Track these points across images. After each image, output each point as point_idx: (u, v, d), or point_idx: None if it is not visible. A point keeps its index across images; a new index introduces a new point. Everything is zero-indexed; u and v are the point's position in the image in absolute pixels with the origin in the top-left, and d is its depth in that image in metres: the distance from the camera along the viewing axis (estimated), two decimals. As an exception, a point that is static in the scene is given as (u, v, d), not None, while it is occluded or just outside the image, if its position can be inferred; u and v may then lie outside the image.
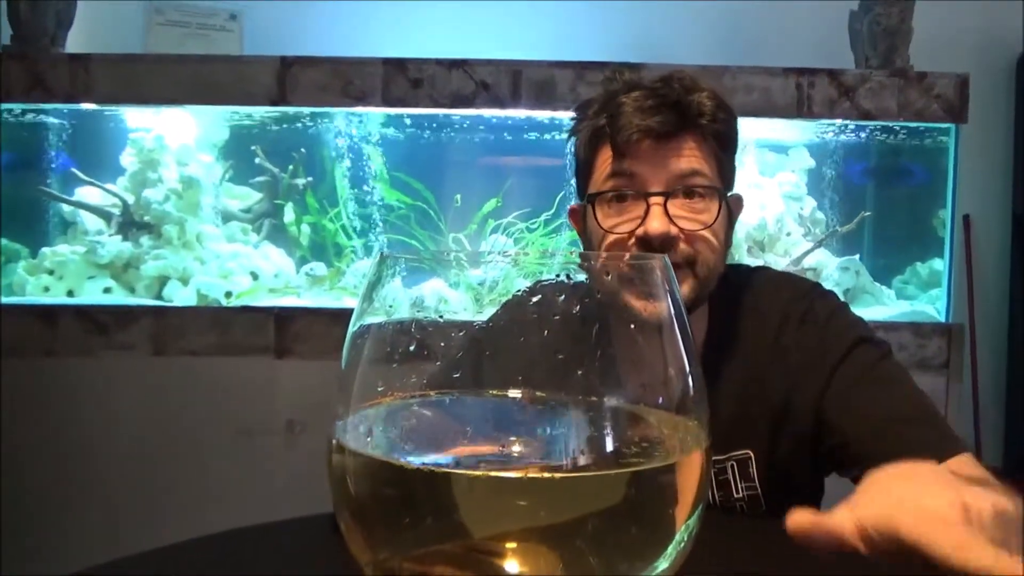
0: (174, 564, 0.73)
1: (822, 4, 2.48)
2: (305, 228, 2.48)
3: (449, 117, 2.34)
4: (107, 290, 2.29)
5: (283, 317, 2.10)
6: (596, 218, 0.96)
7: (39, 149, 2.44)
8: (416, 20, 2.57)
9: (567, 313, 0.39)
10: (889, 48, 2.20)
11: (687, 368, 0.40)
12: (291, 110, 2.28)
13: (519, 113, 2.20)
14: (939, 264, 2.41)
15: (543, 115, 2.20)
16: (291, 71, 2.11)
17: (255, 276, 2.34)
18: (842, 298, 1.04)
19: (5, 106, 2.22)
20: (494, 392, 0.43)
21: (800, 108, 2.12)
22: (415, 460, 0.38)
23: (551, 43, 2.48)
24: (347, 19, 2.58)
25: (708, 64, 2.11)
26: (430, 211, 2.44)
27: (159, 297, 2.29)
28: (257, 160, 2.44)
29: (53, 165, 2.45)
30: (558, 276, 0.40)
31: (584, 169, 1.01)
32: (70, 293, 2.28)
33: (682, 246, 0.93)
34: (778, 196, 2.42)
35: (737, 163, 1.03)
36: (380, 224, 2.49)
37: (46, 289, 2.29)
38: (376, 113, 2.33)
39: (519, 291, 0.42)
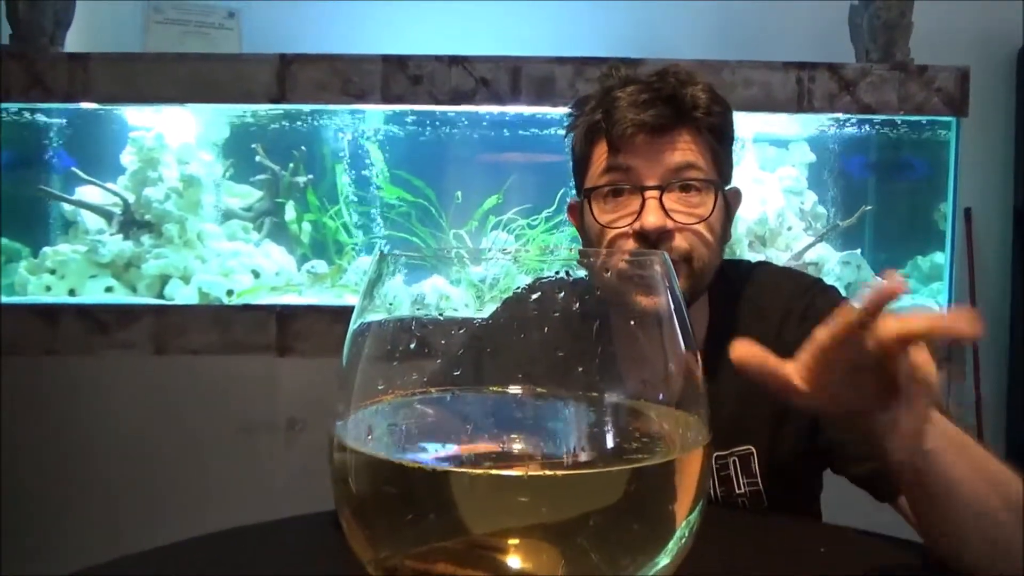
0: (175, 563, 0.73)
1: (822, -2, 2.48)
2: (306, 226, 2.48)
3: (449, 114, 2.33)
4: (108, 289, 2.29)
5: (284, 315, 2.10)
6: (592, 213, 0.97)
7: (39, 149, 2.44)
8: (415, 17, 2.56)
9: (567, 310, 0.39)
10: (889, 42, 2.20)
11: (687, 364, 0.40)
12: (291, 108, 2.28)
13: (519, 109, 2.20)
14: (940, 257, 2.40)
15: (543, 111, 2.20)
16: (290, 69, 2.11)
17: (256, 274, 2.34)
18: (844, 293, 1.04)
19: (5, 106, 2.22)
20: (495, 389, 0.43)
21: (800, 102, 2.11)
22: (416, 458, 0.38)
23: (551, 39, 2.48)
24: (346, 16, 2.57)
25: (708, 59, 2.10)
26: (431, 208, 2.44)
27: (160, 296, 2.30)
28: (257, 158, 2.43)
29: (53, 165, 2.45)
30: (558, 273, 0.40)
31: (580, 164, 1.02)
32: (71, 292, 2.29)
33: (678, 240, 0.93)
34: (779, 191, 2.42)
35: (737, 158, 1.04)
36: (381, 221, 2.49)
37: (48, 288, 2.29)
38: (376, 110, 2.32)
39: (519, 288, 0.42)
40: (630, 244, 0.93)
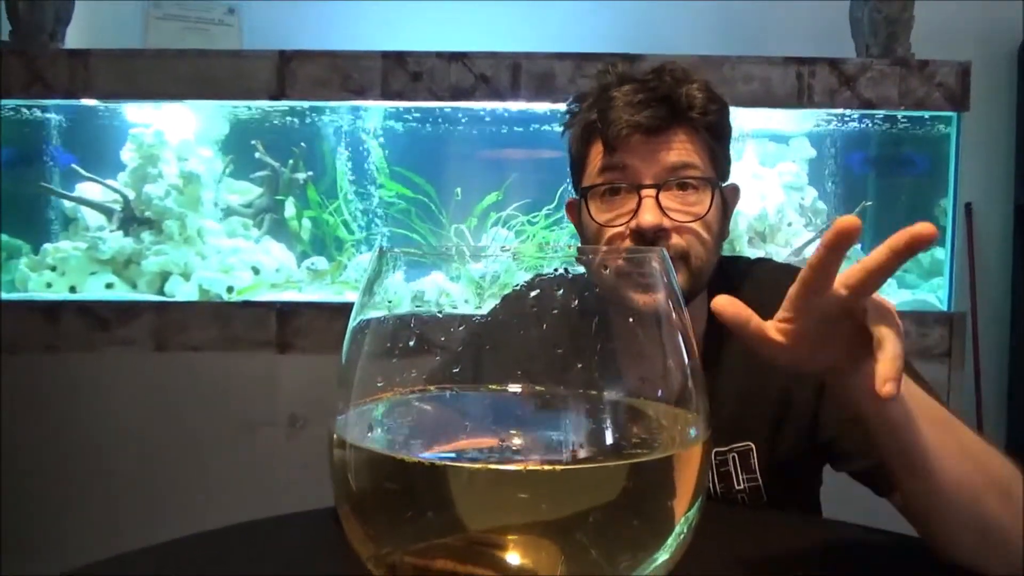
0: (176, 559, 0.73)
1: (822, -7, 2.47)
2: (306, 222, 2.48)
3: (448, 110, 2.33)
4: (109, 286, 2.30)
5: (285, 312, 2.10)
6: (589, 212, 0.97)
7: (39, 145, 2.44)
8: (415, 13, 2.56)
9: (566, 307, 0.39)
10: (890, 36, 2.19)
11: (686, 360, 0.40)
12: (291, 104, 2.27)
13: (519, 106, 2.19)
14: (941, 253, 2.40)
15: (543, 107, 2.20)
16: (290, 65, 2.11)
17: (256, 271, 2.35)
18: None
19: (5, 102, 2.21)
20: (494, 386, 0.43)
21: (801, 97, 2.11)
22: (415, 454, 0.38)
23: (550, 35, 2.47)
24: (346, 12, 2.57)
25: (708, 54, 2.10)
26: (431, 205, 2.44)
27: (161, 292, 2.30)
28: (257, 155, 2.43)
29: (54, 161, 2.45)
30: (557, 270, 0.40)
31: (577, 163, 1.02)
32: (72, 289, 2.29)
33: (675, 238, 0.93)
34: (779, 186, 2.42)
35: (737, 153, 1.04)
36: (381, 218, 2.49)
37: (48, 285, 2.29)
38: (376, 107, 2.32)
39: (518, 285, 0.42)
40: (627, 243, 0.94)
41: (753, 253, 2.35)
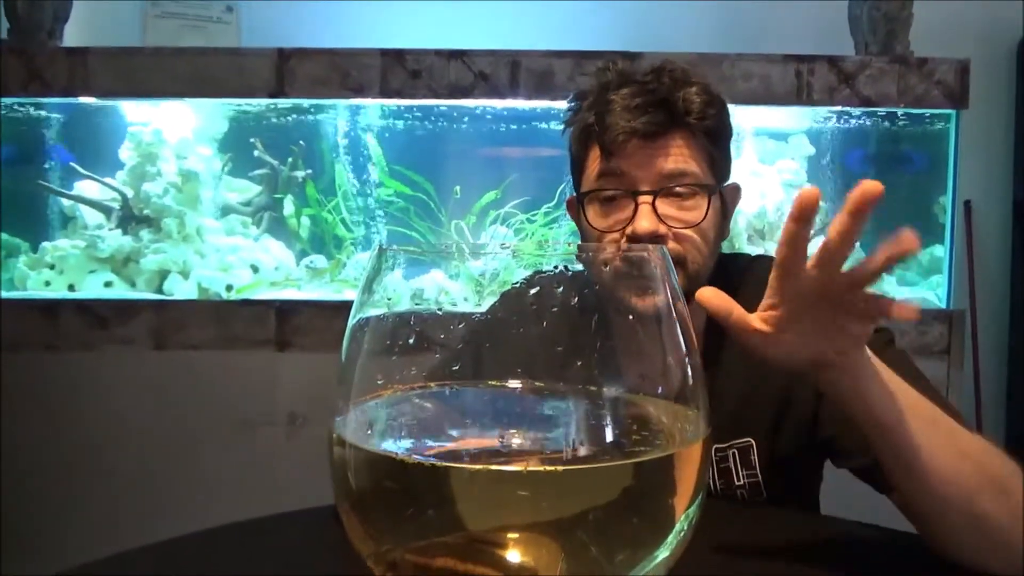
0: (176, 558, 0.73)
1: (821, -10, 2.47)
2: (305, 221, 2.48)
3: (448, 108, 2.33)
4: (108, 284, 2.29)
5: (284, 310, 2.10)
6: (587, 217, 0.98)
7: (38, 143, 2.44)
8: (414, 11, 2.56)
9: (565, 304, 0.39)
10: (889, 34, 2.19)
11: (686, 358, 0.40)
12: (289, 102, 2.27)
13: (518, 104, 2.19)
14: (940, 250, 2.40)
15: (542, 105, 2.20)
16: (289, 63, 2.10)
17: (255, 269, 2.34)
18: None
19: (4, 100, 2.21)
20: (493, 384, 0.43)
21: (800, 95, 2.11)
22: (415, 453, 0.38)
23: (549, 33, 2.47)
24: (344, 10, 2.56)
25: (707, 52, 2.10)
26: (430, 203, 2.44)
27: (159, 291, 2.30)
28: (256, 153, 2.43)
29: (52, 159, 2.45)
30: (556, 267, 0.40)
31: (577, 164, 1.03)
32: (71, 287, 2.29)
33: (671, 244, 0.94)
34: (778, 184, 2.42)
35: (736, 151, 1.04)
36: (380, 216, 2.49)
37: (47, 283, 2.29)
38: (375, 104, 2.32)
39: (517, 283, 0.42)
40: None
41: (752, 251, 2.35)
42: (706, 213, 0.95)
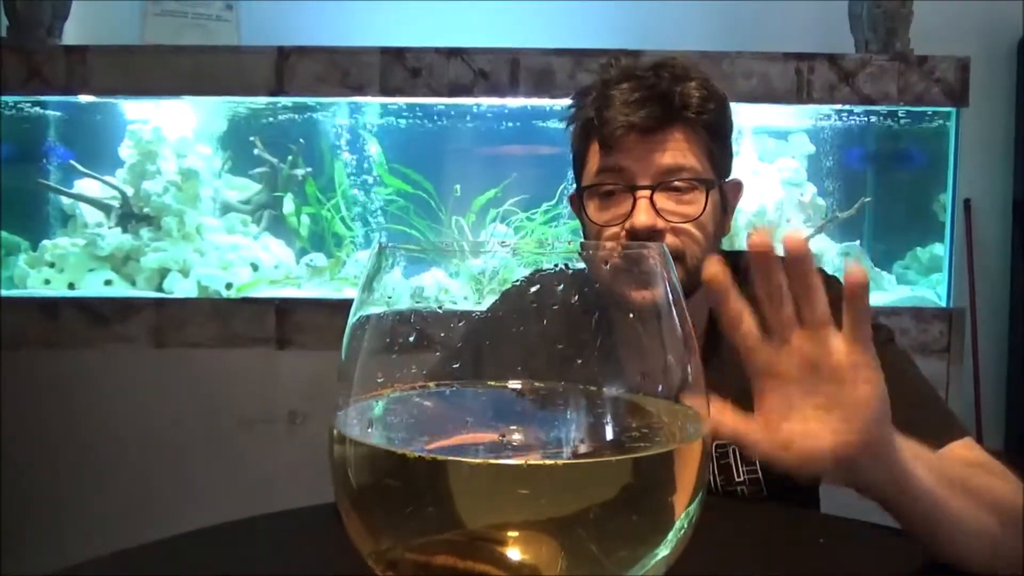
0: (175, 556, 0.73)
1: (821, -12, 2.47)
2: (305, 219, 2.48)
3: (448, 106, 2.33)
4: (108, 282, 2.29)
5: (284, 308, 2.10)
6: (587, 212, 0.98)
7: (38, 141, 2.44)
8: (413, 9, 2.55)
9: (566, 302, 0.39)
10: (889, 32, 2.19)
11: (686, 356, 0.40)
12: (289, 100, 2.27)
13: (518, 102, 2.19)
14: (940, 249, 2.40)
15: (542, 103, 2.20)
16: (288, 61, 2.10)
17: (255, 267, 2.34)
18: (843, 284, 1.04)
19: (3, 99, 2.21)
20: (494, 382, 0.43)
21: (800, 93, 2.11)
22: (416, 450, 0.38)
23: (549, 31, 2.47)
24: (344, 8, 2.56)
25: (707, 50, 2.10)
26: (430, 201, 2.44)
27: (159, 289, 2.30)
28: (256, 151, 2.43)
29: (52, 157, 2.45)
30: (557, 265, 0.40)
31: (577, 160, 1.04)
32: (71, 286, 2.29)
33: (669, 238, 0.94)
34: (778, 182, 2.42)
35: (736, 149, 1.04)
36: (380, 214, 2.49)
37: (47, 282, 2.29)
38: (374, 103, 2.32)
39: (517, 281, 0.42)
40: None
41: (752, 249, 2.34)
42: (704, 207, 0.95)
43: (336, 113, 2.44)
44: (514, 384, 0.42)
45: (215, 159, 2.47)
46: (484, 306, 0.43)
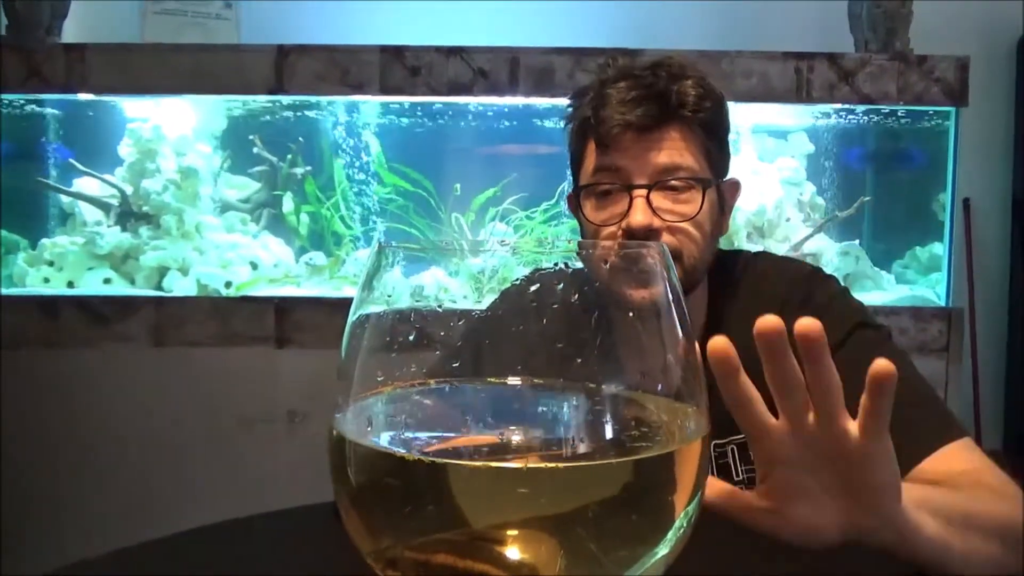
0: (174, 555, 0.73)
1: (821, -12, 2.47)
2: (304, 217, 2.48)
3: (447, 105, 2.33)
4: (107, 281, 2.29)
5: (283, 307, 2.10)
6: (584, 212, 0.98)
7: (37, 140, 2.44)
8: (413, 7, 2.55)
9: (566, 301, 0.39)
10: (889, 31, 2.19)
11: (686, 355, 0.40)
12: (289, 99, 2.27)
13: (517, 101, 2.19)
14: (939, 248, 2.40)
15: (541, 102, 2.20)
16: (288, 60, 2.10)
17: (254, 266, 2.34)
18: (842, 283, 1.04)
19: (2, 97, 2.21)
20: (493, 381, 0.43)
21: (799, 93, 2.11)
22: (415, 450, 0.38)
23: (549, 30, 2.47)
24: (344, 7, 2.56)
25: (707, 49, 2.10)
26: (429, 199, 2.44)
27: (159, 287, 2.29)
28: (255, 149, 2.43)
29: (51, 156, 2.45)
30: (557, 265, 0.40)
31: (575, 159, 1.03)
32: (70, 284, 2.28)
33: (666, 237, 0.94)
34: (777, 182, 2.42)
35: (735, 149, 1.04)
36: (379, 213, 2.49)
37: (46, 280, 2.29)
38: (374, 101, 2.32)
39: (517, 280, 0.42)
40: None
41: (752, 248, 2.35)
42: (701, 206, 0.95)
43: (335, 112, 2.44)
44: (514, 383, 0.42)
45: (214, 158, 2.47)
46: (484, 305, 0.43)
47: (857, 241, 2.44)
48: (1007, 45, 2.67)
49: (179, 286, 2.26)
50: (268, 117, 2.43)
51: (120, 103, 2.38)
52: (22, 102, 2.32)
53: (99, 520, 2.03)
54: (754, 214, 2.38)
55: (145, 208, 2.34)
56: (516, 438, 0.40)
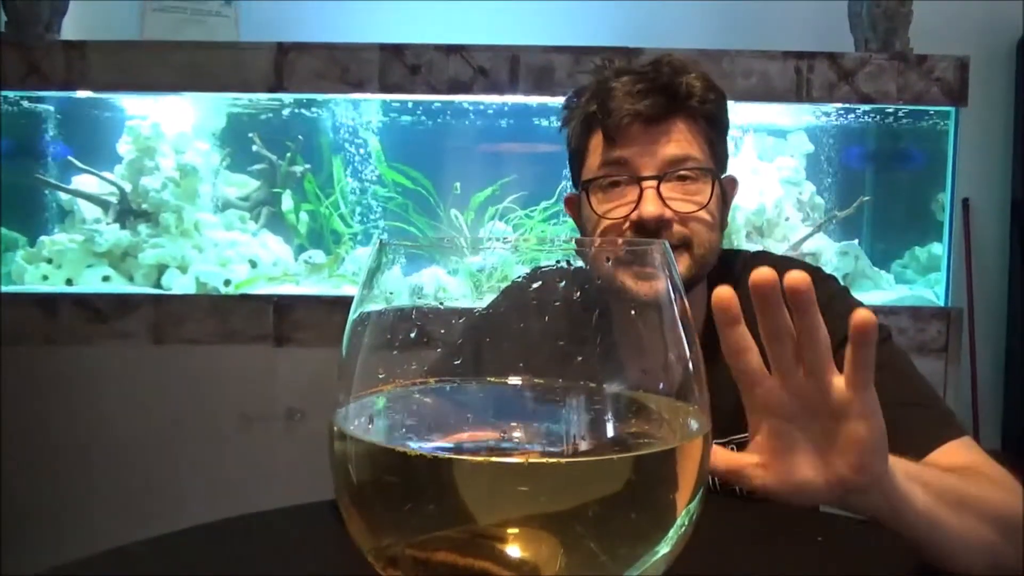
0: (174, 552, 0.73)
1: (821, -13, 2.47)
2: (303, 216, 2.48)
3: (447, 103, 2.33)
4: (106, 278, 2.29)
5: (282, 305, 2.09)
6: (591, 204, 0.97)
7: (36, 137, 2.43)
8: (413, 6, 2.55)
9: (567, 299, 0.39)
10: (889, 31, 2.19)
11: (687, 353, 0.40)
12: (288, 97, 2.27)
13: (517, 99, 2.19)
14: (938, 248, 2.40)
15: (541, 101, 2.19)
16: (288, 57, 2.10)
17: (253, 264, 2.34)
18: (841, 283, 1.04)
19: (1, 94, 2.20)
20: (494, 379, 0.43)
21: (799, 92, 2.11)
22: (416, 446, 0.38)
23: (549, 28, 2.47)
24: (344, 5, 2.56)
25: (707, 48, 2.10)
26: (429, 198, 2.43)
27: (158, 285, 2.29)
28: (255, 147, 2.43)
29: (50, 153, 2.44)
30: (558, 262, 0.40)
31: (577, 157, 1.02)
32: (69, 282, 2.28)
33: (677, 227, 0.94)
34: (777, 181, 2.42)
35: (735, 148, 1.04)
36: (379, 211, 2.49)
37: (45, 278, 2.29)
38: (374, 99, 2.32)
39: (519, 277, 0.42)
40: (629, 235, 0.94)
41: (751, 248, 2.35)
42: (711, 195, 0.95)
43: (335, 110, 2.44)
44: (515, 381, 0.42)
45: (214, 155, 2.47)
46: (484, 303, 0.43)
47: (856, 241, 2.45)
48: (1007, 45, 2.67)
49: (178, 284, 2.26)
50: (268, 115, 2.43)
51: (119, 100, 2.38)
52: (21, 99, 2.32)
53: (97, 517, 2.03)
54: (753, 213, 2.37)
55: (144, 206, 2.34)
56: (517, 435, 0.40)
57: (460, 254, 0.44)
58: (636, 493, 0.37)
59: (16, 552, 1.98)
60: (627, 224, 0.94)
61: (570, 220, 1.11)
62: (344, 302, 0.42)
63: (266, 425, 2.06)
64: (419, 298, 0.43)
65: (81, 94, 2.23)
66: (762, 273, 0.54)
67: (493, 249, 0.43)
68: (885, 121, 2.39)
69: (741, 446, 0.96)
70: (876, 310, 1.99)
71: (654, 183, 0.93)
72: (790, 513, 0.89)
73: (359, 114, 2.45)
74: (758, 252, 1.10)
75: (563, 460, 0.37)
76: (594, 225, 0.98)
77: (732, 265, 1.04)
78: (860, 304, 1.00)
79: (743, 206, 2.36)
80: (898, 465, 0.60)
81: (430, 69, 2.10)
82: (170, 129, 2.38)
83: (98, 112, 2.41)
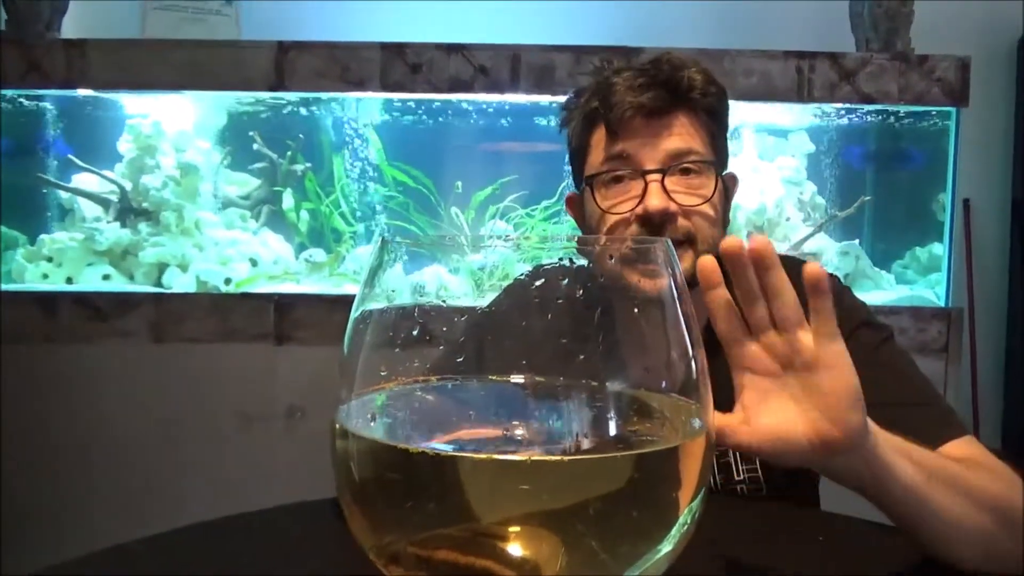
0: (174, 551, 0.73)
1: (822, -13, 2.47)
2: (304, 214, 2.48)
3: (448, 102, 2.33)
4: (106, 277, 2.29)
5: (283, 303, 2.09)
6: (594, 199, 0.97)
7: (36, 135, 2.43)
8: (414, 5, 2.55)
9: (569, 297, 0.39)
10: (890, 31, 2.19)
11: (689, 352, 0.40)
12: (289, 96, 2.26)
13: (518, 98, 2.19)
14: (939, 248, 2.40)
15: (542, 99, 2.19)
16: (288, 56, 2.10)
17: (254, 263, 2.34)
18: (843, 282, 1.04)
19: (2, 92, 2.20)
20: (497, 376, 0.43)
21: (800, 92, 2.11)
22: (419, 444, 0.38)
23: (550, 27, 2.47)
24: (344, 4, 2.56)
25: (707, 47, 2.09)
26: (430, 196, 2.43)
27: (158, 284, 2.29)
28: (255, 146, 2.43)
29: (50, 152, 2.44)
30: (560, 260, 0.40)
31: (579, 154, 1.02)
32: (69, 280, 2.28)
33: (681, 221, 0.94)
34: (778, 181, 2.42)
35: (736, 147, 1.04)
36: (379, 210, 2.48)
37: (45, 276, 2.28)
38: (374, 98, 2.32)
39: (521, 275, 0.42)
40: (633, 229, 0.94)
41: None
42: (715, 188, 0.95)
43: (336, 108, 2.44)
44: (517, 379, 0.42)
45: (214, 154, 2.46)
46: (485, 301, 0.43)
47: (857, 241, 2.44)
48: (1007, 45, 2.67)
49: (178, 282, 2.26)
50: (268, 113, 2.43)
51: (120, 99, 2.38)
52: (21, 98, 2.31)
53: (97, 515, 2.03)
54: (754, 213, 2.37)
55: (144, 204, 2.34)
56: (519, 433, 0.40)
57: (462, 252, 0.43)
58: (638, 492, 0.37)
59: (16, 552, 1.98)
60: (631, 219, 0.94)
61: (571, 219, 1.11)
62: (345, 301, 0.42)
63: (266, 424, 2.06)
64: (421, 296, 0.43)
65: (82, 92, 2.23)
66: (729, 241, 0.59)
67: (495, 247, 0.42)
68: (886, 121, 2.38)
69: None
70: (876, 310, 1.99)
71: (658, 176, 0.93)
72: (791, 513, 0.89)
73: (360, 113, 2.45)
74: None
75: (565, 458, 0.37)
76: (598, 220, 0.98)
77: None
78: (863, 304, 1.00)
79: (744, 205, 2.36)
80: (886, 437, 0.63)
81: (431, 68, 2.10)
82: (171, 127, 2.38)
83: (99, 110, 2.41)
